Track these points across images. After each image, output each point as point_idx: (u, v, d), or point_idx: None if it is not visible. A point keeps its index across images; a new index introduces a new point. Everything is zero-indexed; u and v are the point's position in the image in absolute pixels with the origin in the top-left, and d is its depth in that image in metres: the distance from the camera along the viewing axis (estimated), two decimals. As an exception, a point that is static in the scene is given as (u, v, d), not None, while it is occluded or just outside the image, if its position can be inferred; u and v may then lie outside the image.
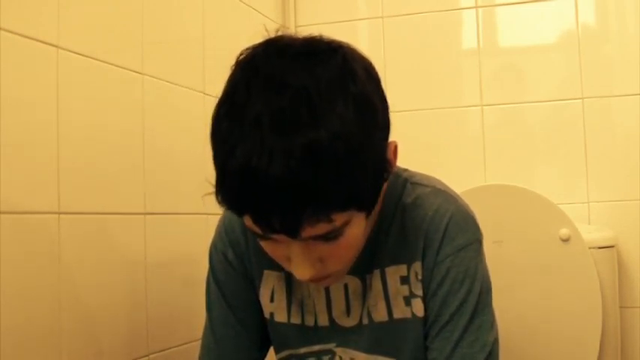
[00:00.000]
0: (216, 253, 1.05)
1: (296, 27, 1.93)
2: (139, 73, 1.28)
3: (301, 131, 0.72)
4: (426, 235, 0.93)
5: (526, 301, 1.29)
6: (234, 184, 0.75)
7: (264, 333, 1.05)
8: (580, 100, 1.76)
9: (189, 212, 1.42)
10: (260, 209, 0.75)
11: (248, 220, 0.78)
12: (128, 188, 1.24)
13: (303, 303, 0.99)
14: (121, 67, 1.23)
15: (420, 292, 0.94)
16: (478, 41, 1.85)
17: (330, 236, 0.79)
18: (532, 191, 1.58)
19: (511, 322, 1.19)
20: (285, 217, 0.74)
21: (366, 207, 0.80)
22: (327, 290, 0.98)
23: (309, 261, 0.81)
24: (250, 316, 1.04)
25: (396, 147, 0.86)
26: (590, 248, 1.57)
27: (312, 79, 0.75)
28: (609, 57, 1.76)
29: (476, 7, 1.85)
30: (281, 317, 1.01)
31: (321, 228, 0.76)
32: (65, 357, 1.07)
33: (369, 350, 0.97)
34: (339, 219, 0.77)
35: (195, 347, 1.40)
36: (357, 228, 0.82)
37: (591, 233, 1.62)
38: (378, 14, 1.91)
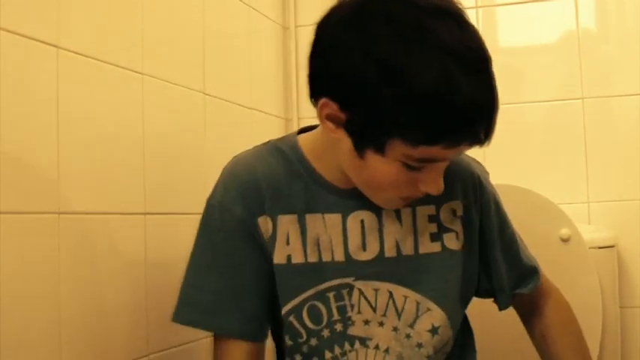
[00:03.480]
0: (222, 209, 1.04)
1: (296, 27, 1.93)
2: (139, 73, 1.28)
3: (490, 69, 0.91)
4: (463, 181, 1.08)
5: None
6: (464, 115, 0.87)
7: (258, 303, 1.05)
8: (580, 100, 1.76)
9: (189, 212, 1.42)
10: (477, 131, 0.90)
11: (427, 150, 0.89)
12: (128, 188, 1.24)
13: (318, 240, 1.03)
14: (121, 67, 1.23)
15: (456, 228, 1.07)
16: (478, 41, 1.85)
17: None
18: (532, 191, 1.58)
19: (510, 321, 1.20)
20: (490, 130, 0.91)
21: None
22: (343, 225, 1.03)
23: (440, 179, 0.96)
24: (244, 282, 1.04)
25: None
26: (590, 248, 1.57)
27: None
28: (609, 57, 1.76)
29: (476, 7, 1.85)
30: (298, 258, 1.03)
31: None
32: (65, 357, 1.07)
33: (392, 281, 1.04)
34: None
35: (196, 347, 1.40)
36: None
37: (591, 233, 1.62)
38: (378, 14, 1.91)
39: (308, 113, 1.91)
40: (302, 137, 1.09)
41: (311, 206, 1.03)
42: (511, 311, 1.17)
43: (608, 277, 1.60)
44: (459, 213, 1.07)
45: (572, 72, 1.77)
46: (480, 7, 1.85)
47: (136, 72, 1.27)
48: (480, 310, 1.19)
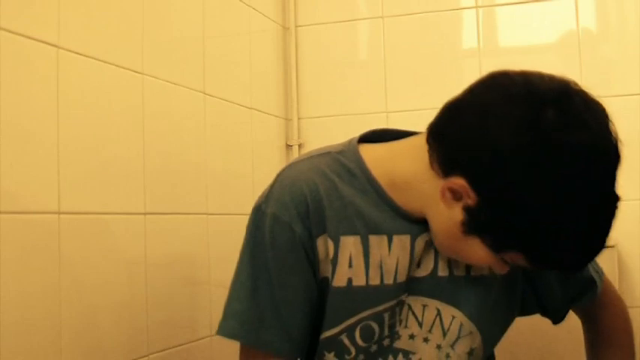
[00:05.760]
0: (279, 224, 0.97)
1: (296, 27, 1.93)
2: (139, 73, 1.28)
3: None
4: None
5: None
6: (584, 258, 0.96)
7: (301, 323, 1.01)
8: (580, 100, 1.76)
9: (189, 212, 1.42)
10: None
11: (521, 259, 0.92)
12: (128, 188, 1.24)
13: (381, 263, 0.99)
14: (121, 67, 1.23)
15: None
16: (478, 41, 1.85)
17: None
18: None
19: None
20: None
21: None
22: (412, 247, 1.00)
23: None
24: (291, 300, 1.00)
25: None
26: (590, 248, 1.56)
27: None
28: (609, 57, 1.76)
29: (476, 7, 1.85)
30: (360, 281, 0.99)
31: None
32: (65, 357, 1.07)
33: (442, 299, 1.02)
34: None
35: (196, 347, 1.40)
36: None
37: (591, 233, 1.62)
38: (378, 14, 1.91)
39: (308, 113, 1.91)
40: (366, 152, 1.02)
41: (377, 227, 0.99)
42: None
43: (608, 277, 1.60)
44: None
45: (572, 72, 1.76)
46: (480, 7, 1.85)
47: (136, 72, 1.27)
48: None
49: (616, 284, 1.63)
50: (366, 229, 0.98)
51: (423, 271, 1.01)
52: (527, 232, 0.87)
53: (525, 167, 0.85)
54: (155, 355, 1.28)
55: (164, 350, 1.31)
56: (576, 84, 0.93)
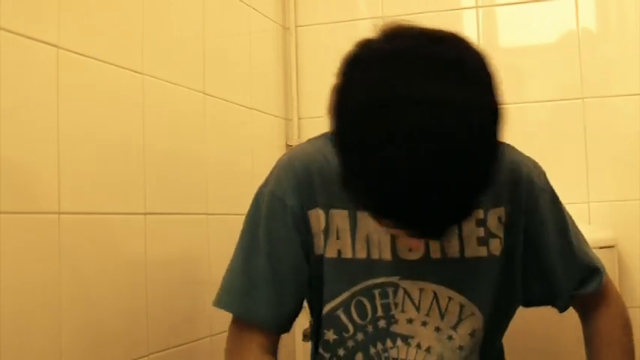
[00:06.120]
0: (273, 199, 1.04)
1: (296, 27, 1.93)
2: (139, 73, 1.28)
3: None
4: (511, 186, 1.04)
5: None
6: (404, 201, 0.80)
7: (292, 296, 1.05)
8: (580, 100, 1.76)
9: (189, 212, 1.42)
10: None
11: (386, 222, 0.86)
12: (128, 188, 1.24)
13: (368, 238, 1.03)
14: (121, 67, 1.23)
15: (500, 234, 1.04)
16: (478, 41, 1.85)
17: None
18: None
19: (510, 322, 1.20)
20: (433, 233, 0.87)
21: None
22: None
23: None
24: (282, 271, 1.04)
25: None
26: (590, 248, 1.56)
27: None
28: (609, 57, 1.76)
29: (476, 7, 1.85)
30: (348, 253, 1.04)
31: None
32: (65, 357, 1.07)
33: (437, 282, 1.03)
34: None
35: (196, 347, 1.40)
36: None
37: (591, 233, 1.61)
38: (378, 14, 1.91)
39: (308, 113, 1.91)
40: None
41: None
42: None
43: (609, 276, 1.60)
44: (503, 219, 1.05)
45: (572, 72, 1.77)
46: (480, 7, 1.85)
47: (136, 72, 1.27)
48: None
49: (616, 284, 1.63)
50: (354, 205, 1.01)
51: (416, 254, 1.03)
52: (345, 179, 0.85)
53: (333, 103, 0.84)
54: (155, 355, 1.28)
55: (164, 350, 1.31)
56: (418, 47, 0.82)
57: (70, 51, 1.11)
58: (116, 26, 1.23)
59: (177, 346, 1.35)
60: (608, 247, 1.62)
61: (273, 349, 1.06)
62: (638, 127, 1.70)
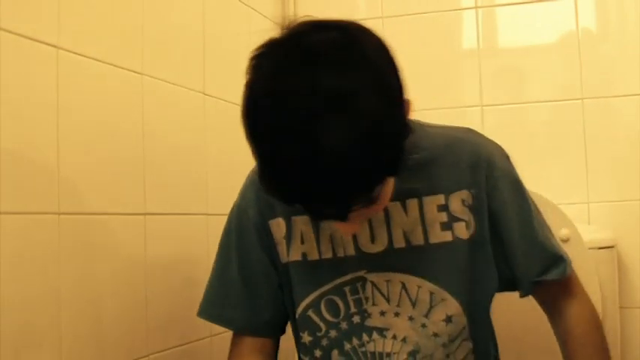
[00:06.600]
0: (239, 211, 1.12)
1: (296, 27, 1.93)
2: (139, 73, 1.28)
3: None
4: (471, 168, 1.05)
5: (525, 301, 1.30)
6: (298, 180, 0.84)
7: (266, 301, 1.11)
8: (580, 100, 1.76)
9: (189, 212, 1.42)
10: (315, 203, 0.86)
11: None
12: (128, 188, 1.24)
13: (332, 237, 1.06)
14: (121, 67, 1.23)
15: (466, 217, 1.04)
16: (478, 41, 1.85)
17: (370, 202, 0.88)
18: (532, 191, 1.58)
19: (510, 322, 1.20)
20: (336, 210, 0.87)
21: (397, 170, 0.87)
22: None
23: (354, 225, 0.93)
24: (254, 280, 1.10)
25: (410, 104, 0.91)
26: (590, 249, 1.56)
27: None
28: (609, 57, 1.76)
29: (476, 7, 1.85)
30: (313, 255, 1.07)
31: (363, 202, 0.86)
32: (65, 357, 1.07)
33: (404, 271, 1.04)
34: (377, 189, 0.86)
35: (196, 347, 1.40)
36: (389, 186, 0.93)
37: (591, 233, 1.62)
38: (378, 14, 1.91)
39: (308, 113, 1.91)
40: None
41: None
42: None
43: (608, 278, 1.60)
44: (468, 202, 1.05)
45: (572, 72, 1.77)
46: (480, 7, 1.85)
47: (136, 72, 1.27)
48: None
49: (616, 284, 1.63)
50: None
51: (379, 246, 1.05)
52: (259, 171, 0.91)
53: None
54: (155, 355, 1.28)
55: (164, 350, 1.31)
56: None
57: (70, 51, 1.11)
58: (116, 26, 1.23)
59: (177, 346, 1.35)
60: (608, 247, 1.62)
61: (267, 351, 1.11)
62: (638, 127, 1.70)
